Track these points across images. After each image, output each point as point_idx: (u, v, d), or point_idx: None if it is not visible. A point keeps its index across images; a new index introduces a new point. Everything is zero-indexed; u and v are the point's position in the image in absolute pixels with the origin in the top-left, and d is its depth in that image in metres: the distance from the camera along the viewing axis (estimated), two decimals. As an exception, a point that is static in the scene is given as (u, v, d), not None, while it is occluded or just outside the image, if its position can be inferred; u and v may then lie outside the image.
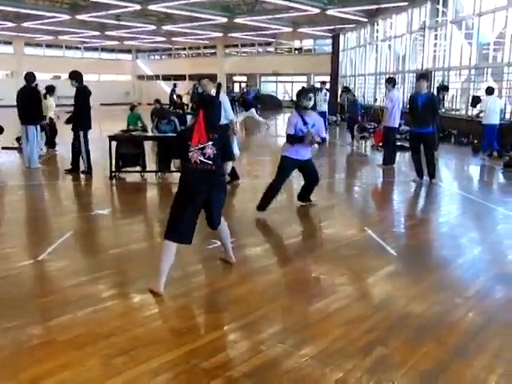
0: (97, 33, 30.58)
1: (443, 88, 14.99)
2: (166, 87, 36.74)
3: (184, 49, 41.75)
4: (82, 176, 9.23)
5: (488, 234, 6.35)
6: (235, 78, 39.50)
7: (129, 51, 43.54)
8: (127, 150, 9.12)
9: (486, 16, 15.01)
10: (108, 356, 3.19)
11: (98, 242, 5.87)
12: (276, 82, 37.79)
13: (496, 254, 5.56)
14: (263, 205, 6.66)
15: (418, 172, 9.05)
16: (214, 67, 37.34)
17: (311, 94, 6.51)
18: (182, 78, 38.31)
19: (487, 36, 15.29)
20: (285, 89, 36.94)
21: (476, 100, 14.44)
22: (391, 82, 10.75)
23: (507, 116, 13.71)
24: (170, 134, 9.05)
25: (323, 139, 6.62)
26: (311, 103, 6.43)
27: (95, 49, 40.71)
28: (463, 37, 16.55)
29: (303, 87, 16.97)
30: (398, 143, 12.14)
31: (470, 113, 15.18)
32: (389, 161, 10.62)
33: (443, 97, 15.15)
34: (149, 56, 44.78)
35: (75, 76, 9.35)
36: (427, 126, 8.74)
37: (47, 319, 3.70)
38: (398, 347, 3.33)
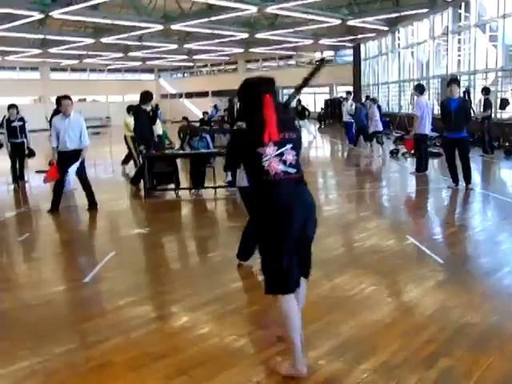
0: (120, 54, 31.09)
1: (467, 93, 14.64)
2: (190, 105, 37.15)
3: (205, 66, 42.18)
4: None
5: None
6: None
7: (151, 71, 44.14)
8: (160, 168, 9.21)
9: (511, 18, 14.85)
10: (168, 377, 3.17)
11: (141, 262, 5.90)
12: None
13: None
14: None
15: (454, 178, 8.93)
16: (236, 83, 37.14)
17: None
18: (204, 95, 38.70)
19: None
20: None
21: (504, 103, 14.26)
22: (419, 88, 10.66)
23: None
24: (202, 151, 9.14)
25: None
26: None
27: (118, 70, 41.38)
28: (488, 39, 16.38)
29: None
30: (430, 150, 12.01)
31: (498, 115, 14.98)
32: (422, 168, 10.51)
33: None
34: (171, 75, 45.33)
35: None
36: (461, 131, 8.64)
37: (99, 341, 3.69)
38: (461, 358, 3.25)
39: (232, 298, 4.52)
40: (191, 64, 40.60)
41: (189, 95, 41.15)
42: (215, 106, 29.32)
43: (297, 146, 3.04)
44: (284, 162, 2.97)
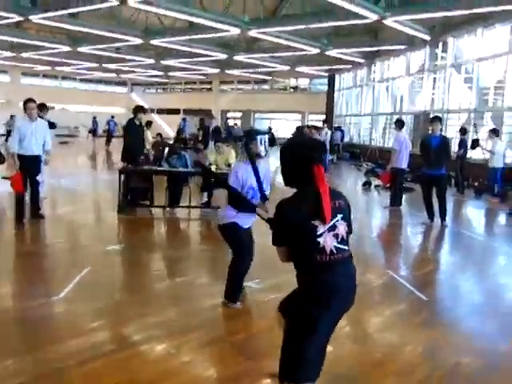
0: (94, 65, 30.72)
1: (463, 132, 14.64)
2: (161, 121, 36.93)
3: (180, 83, 42.11)
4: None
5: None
6: (229, 115, 39.78)
7: (124, 84, 43.78)
8: (137, 183, 9.00)
9: (486, 61, 15.33)
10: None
11: (117, 281, 5.68)
12: (270, 119, 38.08)
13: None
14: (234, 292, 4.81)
15: (429, 214, 9.01)
16: (209, 103, 37.69)
17: (262, 136, 4.59)
18: (176, 112, 38.54)
19: (487, 80, 15.58)
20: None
21: (476, 143, 14.55)
22: (399, 123, 10.80)
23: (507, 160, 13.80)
24: (180, 169, 8.99)
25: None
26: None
27: (91, 80, 40.91)
28: (462, 81, 16.83)
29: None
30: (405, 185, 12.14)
31: (468, 155, 15.29)
32: (396, 202, 10.59)
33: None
34: (144, 89, 45.04)
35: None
36: (440, 168, 8.75)
37: (79, 364, 3.48)
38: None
39: (215, 325, 4.39)
40: (166, 80, 40.46)
41: (160, 111, 40.92)
42: (184, 120, 29.37)
43: (347, 215, 2.73)
44: (336, 237, 2.64)
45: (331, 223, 2.62)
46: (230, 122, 35.40)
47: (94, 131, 32.71)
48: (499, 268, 6.82)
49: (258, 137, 4.55)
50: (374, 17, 14.11)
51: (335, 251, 2.62)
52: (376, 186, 13.74)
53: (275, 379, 3.17)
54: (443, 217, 8.85)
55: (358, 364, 3.70)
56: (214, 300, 4.84)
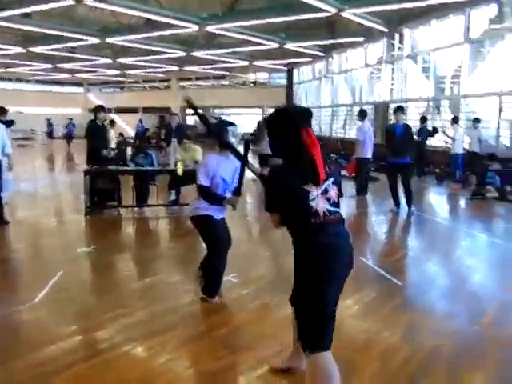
0: (48, 65, 30.04)
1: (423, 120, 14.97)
2: (120, 120, 36.40)
3: (137, 82, 41.59)
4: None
5: (483, 261, 6.48)
6: (188, 111, 39.51)
7: (80, 84, 42.97)
8: (103, 184, 8.88)
9: (442, 51, 15.69)
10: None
11: (92, 283, 5.61)
12: (230, 114, 38.01)
13: (496, 280, 5.65)
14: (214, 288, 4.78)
15: (396, 201, 9.20)
16: (168, 100, 37.34)
17: (233, 128, 4.62)
18: (134, 111, 38.08)
19: (443, 70, 15.94)
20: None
21: (435, 130, 14.91)
22: (362, 114, 10.96)
23: (466, 146, 14.18)
24: (147, 168, 8.92)
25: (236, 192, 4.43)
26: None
27: (46, 81, 40.00)
28: (420, 70, 17.17)
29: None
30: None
31: (428, 142, 15.64)
32: (362, 191, 10.76)
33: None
34: (101, 89, 44.31)
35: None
36: (404, 157, 8.93)
37: (59, 370, 3.43)
38: (441, 379, 3.30)
39: (195, 321, 4.40)
40: (123, 79, 39.89)
41: (119, 111, 40.33)
42: (140, 121, 29.12)
43: (337, 179, 2.80)
44: (328, 200, 2.71)
45: (323, 187, 2.68)
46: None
47: (49, 133, 31.99)
48: (463, 251, 7.03)
49: (229, 128, 4.57)
50: (332, 10, 14.25)
51: (328, 213, 2.69)
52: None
53: (262, 370, 3.23)
54: (409, 204, 9.05)
55: (341, 350, 3.75)
56: (190, 297, 4.85)
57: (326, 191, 2.70)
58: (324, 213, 2.67)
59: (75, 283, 5.34)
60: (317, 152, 2.67)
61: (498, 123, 13.00)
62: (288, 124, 2.74)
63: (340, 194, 2.81)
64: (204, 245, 4.75)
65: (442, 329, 4.15)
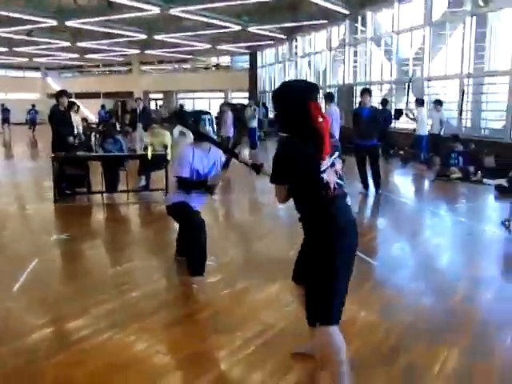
0: (4, 49, 29.13)
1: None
2: (80, 105, 35.64)
3: (98, 66, 40.76)
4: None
5: (449, 239, 6.70)
6: (151, 96, 39.04)
7: (37, 68, 41.84)
8: (71, 170, 8.75)
9: (404, 34, 15.92)
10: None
11: (69, 270, 5.58)
12: (193, 98, 37.73)
13: (462, 257, 5.87)
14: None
15: (364, 184, 9.36)
16: (130, 84, 36.78)
17: (205, 116, 4.82)
18: (95, 96, 37.35)
19: (406, 52, 16.19)
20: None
21: (398, 113, 15.15)
22: (329, 97, 11.07)
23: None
24: (116, 153, 8.82)
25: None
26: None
27: (1, 66, 38.80)
28: (382, 53, 17.39)
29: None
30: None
31: (392, 125, 15.92)
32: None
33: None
34: (60, 74, 43.26)
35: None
36: (371, 139, 9.08)
37: (44, 357, 3.44)
38: (419, 352, 3.45)
39: (175, 305, 4.43)
40: (82, 63, 39.04)
41: (79, 96, 39.47)
42: (103, 106, 28.64)
43: (340, 152, 2.81)
44: (336, 173, 2.71)
45: (331, 160, 2.68)
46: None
47: (5, 119, 30.84)
48: (431, 230, 7.26)
49: (204, 117, 4.57)
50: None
51: (337, 186, 2.70)
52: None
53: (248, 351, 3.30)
54: (378, 185, 9.23)
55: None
56: (168, 281, 4.90)
57: (333, 164, 2.70)
58: (334, 186, 2.68)
59: (52, 271, 5.30)
60: (325, 126, 2.67)
61: (461, 105, 13.29)
62: (298, 98, 2.72)
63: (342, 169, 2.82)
64: (178, 227, 4.87)
65: (416, 306, 4.31)
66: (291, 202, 2.85)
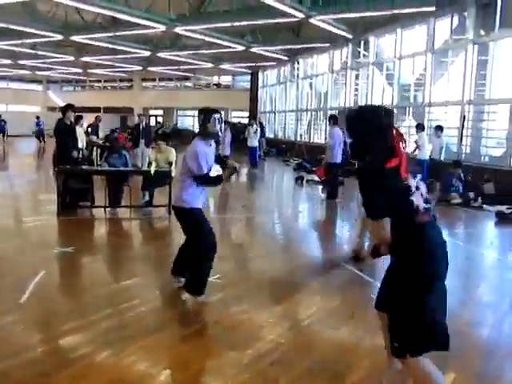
0: (8, 61, 29.30)
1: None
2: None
3: (99, 81, 40.99)
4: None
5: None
6: (151, 112, 39.21)
7: (39, 81, 42.05)
8: (75, 184, 8.78)
9: (406, 60, 16.14)
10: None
11: (73, 284, 5.56)
12: (193, 116, 37.89)
13: (459, 280, 5.90)
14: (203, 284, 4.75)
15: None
16: (131, 100, 36.98)
17: (216, 115, 4.65)
18: (96, 110, 37.47)
19: (407, 78, 16.39)
20: None
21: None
22: (333, 119, 11.17)
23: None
24: (120, 168, 8.88)
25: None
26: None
27: (4, 78, 38.99)
28: (384, 77, 17.59)
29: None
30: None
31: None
32: (333, 195, 10.96)
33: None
34: (61, 87, 43.46)
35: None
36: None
37: (61, 369, 3.44)
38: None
39: (181, 322, 4.44)
40: (84, 78, 39.25)
41: (80, 110, 39.60)
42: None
43: (421, 177, 2.74)
44: (421, 196, 2.63)
45: (415, 183, 2.63)
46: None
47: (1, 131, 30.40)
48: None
49: (215, 116, 4.65)
50: (299, 15, 14.45)
51: (425, 211, 2.62)
52: (308, 181, 14.14)
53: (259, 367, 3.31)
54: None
55: (333, 350, 3.88)
56: (171, 298, 4.93)
57: (418, 187, 2.64)
58: (423, 210, 2.61)
59: (57, 284, 5.31)
60: (404, 150, 2.65)
61: (461, 132, 13.42)
62: (380, 124, 2.68)
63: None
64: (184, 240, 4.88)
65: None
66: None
